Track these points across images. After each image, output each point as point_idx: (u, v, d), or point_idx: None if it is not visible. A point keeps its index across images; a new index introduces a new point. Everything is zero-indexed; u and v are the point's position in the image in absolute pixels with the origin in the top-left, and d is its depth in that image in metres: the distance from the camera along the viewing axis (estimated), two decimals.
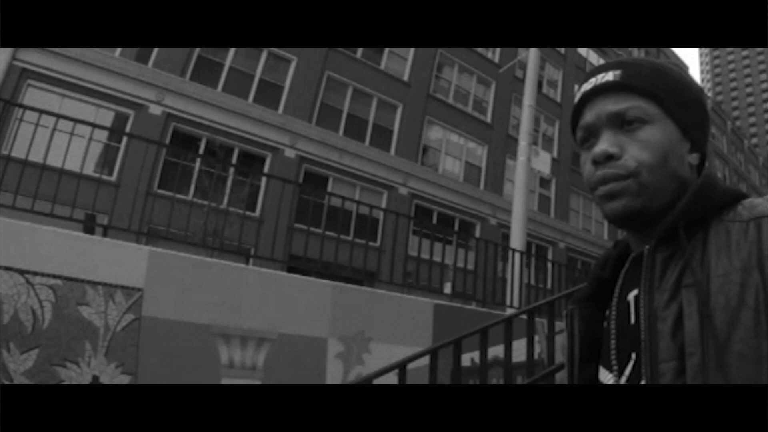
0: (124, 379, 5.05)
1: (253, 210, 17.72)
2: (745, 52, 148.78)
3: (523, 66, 26.74)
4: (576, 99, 1.16)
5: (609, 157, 1.06)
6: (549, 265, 13.47)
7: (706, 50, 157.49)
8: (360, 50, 22.72)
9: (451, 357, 4.89)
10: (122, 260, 5.27)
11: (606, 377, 1.09)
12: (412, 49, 24.36)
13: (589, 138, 1.12)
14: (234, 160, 18.20)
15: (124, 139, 16.54)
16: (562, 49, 28.90)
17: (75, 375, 4.86)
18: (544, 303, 6.00)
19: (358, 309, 6.44)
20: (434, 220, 22.15)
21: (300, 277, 6.40)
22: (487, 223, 24.24)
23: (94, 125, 6.64)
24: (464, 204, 24.05)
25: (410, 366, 4.70)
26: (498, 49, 28.23)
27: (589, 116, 1.12)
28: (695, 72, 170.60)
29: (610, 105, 1.09)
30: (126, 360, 5.07)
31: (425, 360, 4.88)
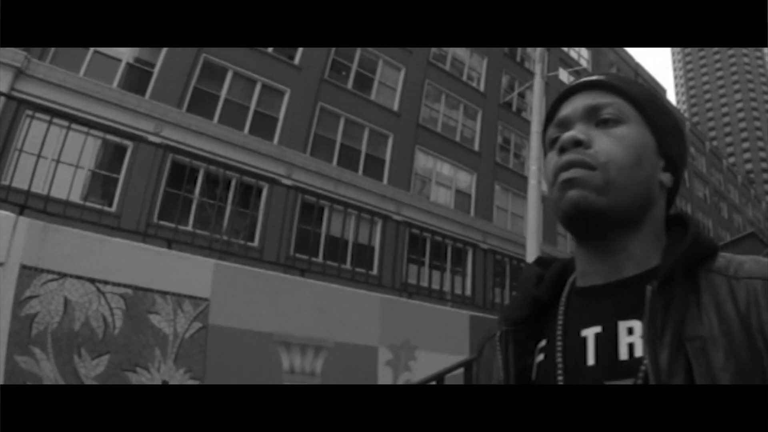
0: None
1: (252, 240, 17.78)
2: (719, 73, 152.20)
3: (509, 93, 27.35)
4: (556, 98, 1.11)
5: (577, 144, 0.99)
6: None
7: (680, 73, 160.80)
8: (351, 81, 23.06)
9: None
10: (189, 271, 5.41)
11: None
12: (401, 80, 24.78)
13: (559, 136, 1.04)
14: (232, 191, 18.31)
15: (124, 170, 16.63)
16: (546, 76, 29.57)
17: (145, 380, 4.95)
18: None
19: (404, 320, 6.62)
20: (427, 247, 22.32)
21: (352, 290, 6.60)
22: (478, 249, 24.39)
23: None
24: (455, 231, 24.26)
25: (448, 375, 4.92)
26: (483, 78, 28.75)
27: (565, 110, 1.06)
28: (671, 95, 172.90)
29: (588, 99, 1.03)
30: (194, 366, 5.17)
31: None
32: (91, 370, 4.79)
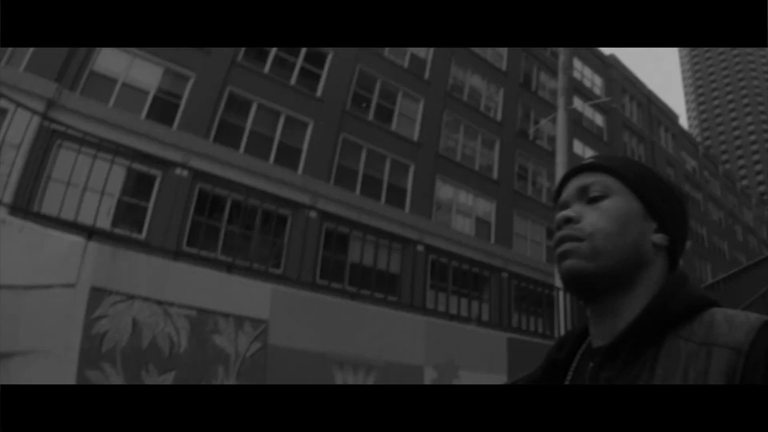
0: None
1: (278, 267, 18.00)
2: (730, 96, 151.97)
3: (525, 122, 27.65)
4: (558, 184, 1.25)
5: (568, 221, 1.12)
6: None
7: (692, 98, 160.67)
8: (372, 113, 23.41)
9: None
10: (249, 295, 5.71)
11: None
12: (420, 111, 25.13)
13: None
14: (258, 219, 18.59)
15: (153, 198, 16.96)
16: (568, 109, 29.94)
17: None
18: None
19: (448, 340, 6.87)
20: (449, 274, 22.46)
21: (399, 313, 6.89)
22: (498, 275, 24.56)
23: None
24: (477, 258, 24.36)
25: None
26: (499, 108, 29.07)
27: (564, 195, 1.19)
28: (683, 120, 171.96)
29: (579, 182, 1.17)
30: (254, 383, 5.40)
31: None
32: None
